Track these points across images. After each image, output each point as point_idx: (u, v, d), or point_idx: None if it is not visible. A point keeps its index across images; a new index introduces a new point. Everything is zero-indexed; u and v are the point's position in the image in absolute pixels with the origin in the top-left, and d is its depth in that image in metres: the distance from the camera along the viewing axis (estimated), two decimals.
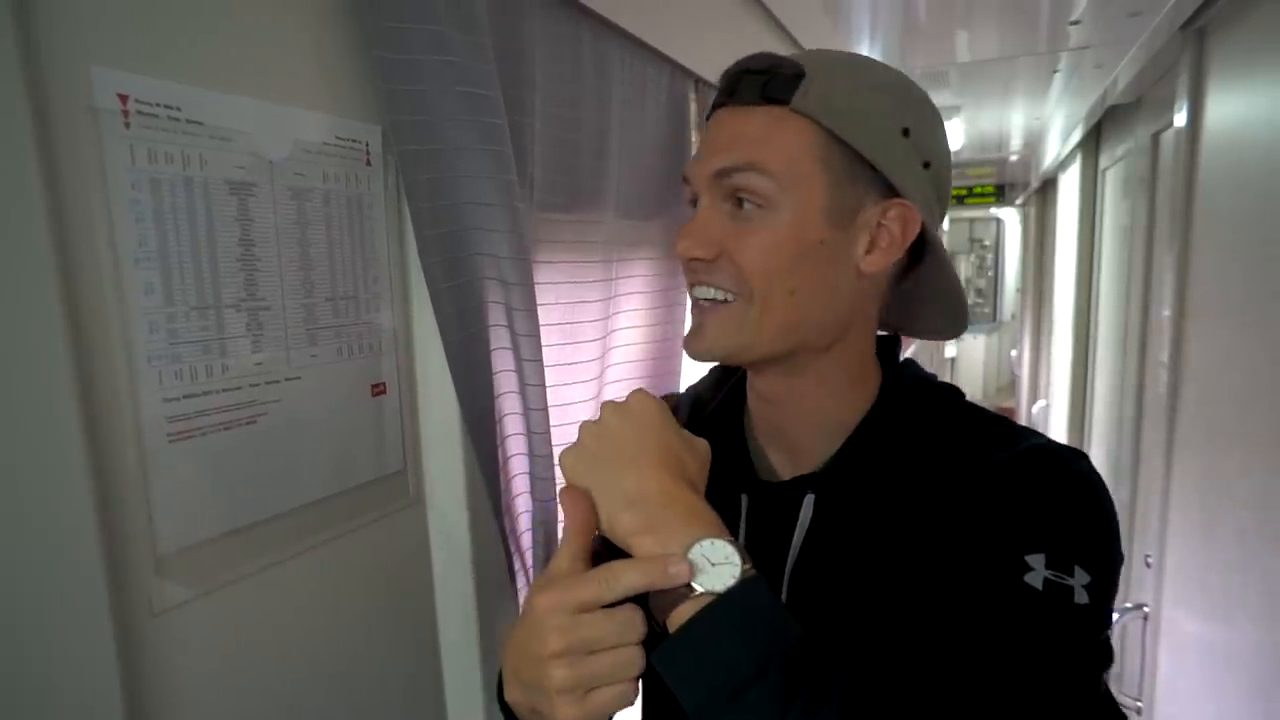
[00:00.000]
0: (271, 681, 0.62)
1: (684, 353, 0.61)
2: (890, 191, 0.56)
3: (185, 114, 0.53)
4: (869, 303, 0.60)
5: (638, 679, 0.45)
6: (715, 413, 0.67)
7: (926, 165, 0.57)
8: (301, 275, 0.63)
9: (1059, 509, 0.51)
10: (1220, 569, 1.24)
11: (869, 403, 0.61)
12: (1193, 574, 1.37)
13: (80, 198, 0.47)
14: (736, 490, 0.62)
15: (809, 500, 0.58)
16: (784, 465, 0.63)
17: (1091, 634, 0.49)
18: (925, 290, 0.63)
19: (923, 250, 0.59)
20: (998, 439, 0.56)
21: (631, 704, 0.46)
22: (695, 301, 0.59)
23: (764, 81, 0.55)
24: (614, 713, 0.46)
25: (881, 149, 0.54)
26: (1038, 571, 0.48)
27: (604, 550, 0.49)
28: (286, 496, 0.63)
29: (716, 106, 0.59)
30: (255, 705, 0.60)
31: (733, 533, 0.59)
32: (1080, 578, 0.48)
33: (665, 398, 0.76)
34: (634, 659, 0.44)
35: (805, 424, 0.61)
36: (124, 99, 0.49)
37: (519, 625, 0.48)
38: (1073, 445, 0.56)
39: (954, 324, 0.64)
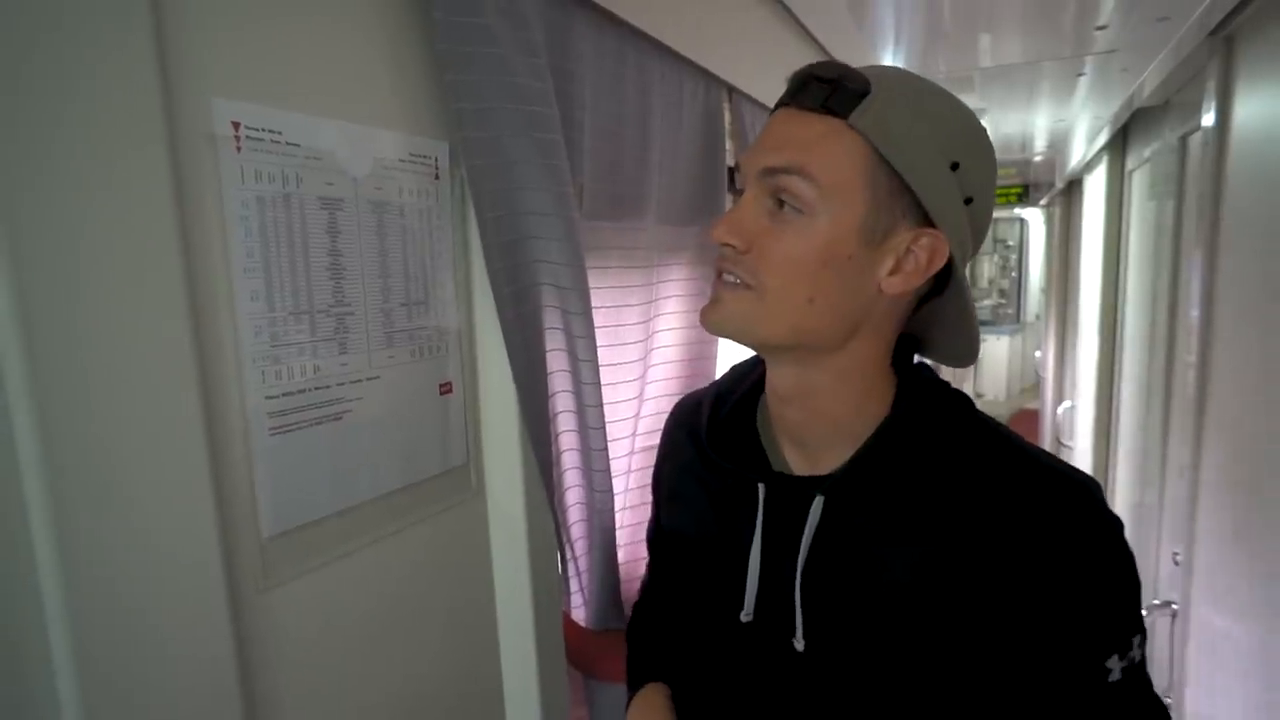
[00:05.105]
0: (354, 654, 0.67)
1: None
2: (926, 219, 0.57)
3: (285, 137, 0.58)
4: (881, 314, 0.60)
5: None
6: (735, 405, 0.70)
7: (969, 201, 0.58)
8: (381, 282, 0.68)
9: (1112, 590, 0.57)
10: (1250, 566, 1.26)
11: (884, 407, 0.62)
12: (1222, 571, 1.39)
13: (201, 214, 0.52)
14: (753, 479, 0.64)
15: (818, 502, 0.60)
16: (797, 460, 0.66)
17: (1147, 682, 0.58)
18: (941, 320, 0.64)
19: (947, 281, 0.60)
20: (1009, 459, 0.59)
21: None
22: (719, 277, 0.61)
23: (829, 92, 0.56)
24: None
25: (926, 179, 0.55)
26: (1115, 670, 0.56)
27: None
28: (366, 487, 0.68)
29: (780, 105, 0.60)
30: (340, 673, 0.66)
31: (750, 519, 0.64)
32: (1137, 649, 0.57)
33: (691, 394, 0.80)
34: None
35: (818, 423, 0.63)
36: (236, 126, 0.54)
37: None
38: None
39: (965, 356, 0.65)
